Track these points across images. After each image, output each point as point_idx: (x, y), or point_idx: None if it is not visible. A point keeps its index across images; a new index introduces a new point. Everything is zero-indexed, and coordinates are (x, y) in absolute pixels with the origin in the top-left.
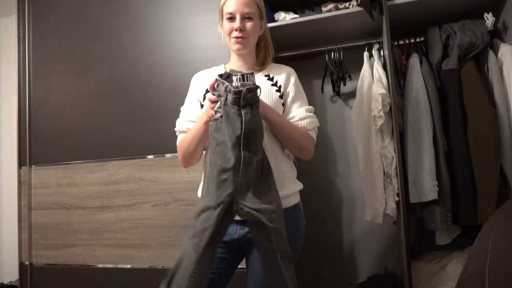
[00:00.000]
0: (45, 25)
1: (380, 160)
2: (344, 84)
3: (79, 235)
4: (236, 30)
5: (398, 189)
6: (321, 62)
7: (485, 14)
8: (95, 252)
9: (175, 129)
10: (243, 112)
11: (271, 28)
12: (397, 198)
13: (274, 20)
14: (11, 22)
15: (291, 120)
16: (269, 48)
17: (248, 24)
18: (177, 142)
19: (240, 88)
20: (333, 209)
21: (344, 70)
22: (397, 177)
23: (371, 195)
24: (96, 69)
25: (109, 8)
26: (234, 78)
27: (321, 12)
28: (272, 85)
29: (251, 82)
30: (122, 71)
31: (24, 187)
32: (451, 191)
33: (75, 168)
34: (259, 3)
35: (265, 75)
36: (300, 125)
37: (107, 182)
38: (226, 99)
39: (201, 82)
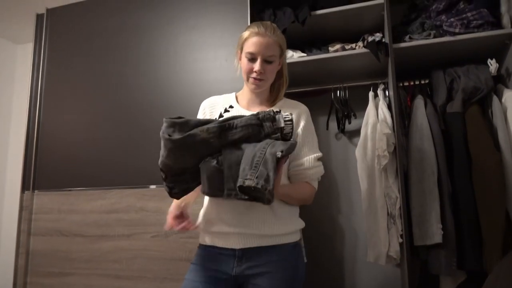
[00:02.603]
0: (59, 53)
1: (383, 199)
2: (349, 122)
3: (76, 264)
4: (255, 71)
5: (401, 230)
6: (327, 99)
7: (489, 60)
8: (91, 282)
9: None
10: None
11: None
12: (400, 240)
13: None
14: (28, 49)
15: (298, 168)
16: (283, 82)
17: (268, 67)
18: None
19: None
20: (335, 248)
21: (349, 108)
22: (401, 218)
23: (374, 236)
24: (102, 98)
25: (121, 39)
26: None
27: (328, 51)
28: None
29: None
30: (129, 100)
31: (25, 212)
32: (456, 235)
33: (77, 195)
34: (281, 43)
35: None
36: (304, 174)
37: (108, 211)
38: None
39: (209, 111)
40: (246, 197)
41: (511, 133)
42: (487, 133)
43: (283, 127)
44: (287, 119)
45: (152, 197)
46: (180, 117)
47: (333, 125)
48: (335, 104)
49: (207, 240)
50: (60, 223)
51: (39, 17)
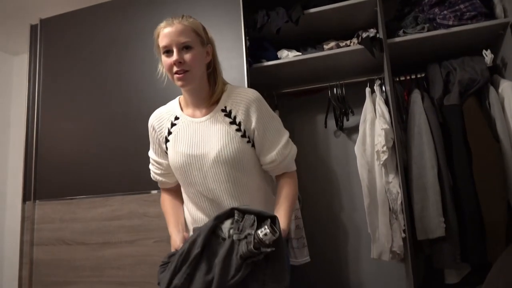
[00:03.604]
0: (55, 63)
1: (385, 195)
2: (347, 119)
3: (80, 272)
4: (175, 64)
5: (404, 226)
6: (324, 97)
7: (484, 51)
8: None
9: (151, 177)
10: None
11: (274, 65)
12: (403, 235)
13: (277, 58)
14: (24, 60)
15: (272, 165)
16: (216, 74)
17: (188, 56)
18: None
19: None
20: (339, 245)
21: (346, 105)
22: (403, 213)
23: (377, 232)
24: (100, 105)
25: (116, 46)
26: (263, 228)
27: (322, 49)
28: (231, 123)
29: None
30: (127, 106)
31: (27, 222)
32: (458, 228)
33: (79, 203)
34: (196, 28)
35: (222, 109)
36: (280, 168)
37: (110, 218)
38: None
39: (158, 128)
40: None
41: (509, 123)
42: (485, 124)
43: (262, 241)
44: (262, 235)
45: (154, 202)
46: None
47: (331, 123)
48: (332, 102)
49: None
50: (62, 232)
51: (33, 27)
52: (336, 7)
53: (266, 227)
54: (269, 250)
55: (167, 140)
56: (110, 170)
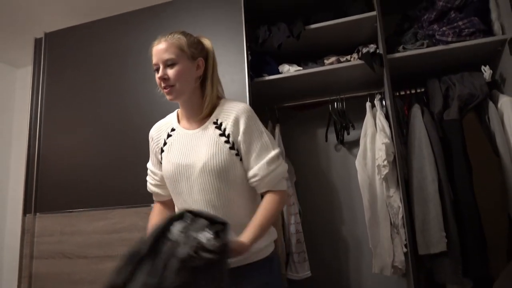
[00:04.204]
0: (58, 77)
1: (386, 209)
2: (348, 133)
3: (80, 286)
4: (161, 80)
5: (405, 240)
6: (325, 111)
7: (483, 67)
8: None
9: (147, 189)
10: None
11: (276, 80)
12: (405, 249)
13: (278, 72)
14: (27, 73)
15: (254, 179)
16: (212, 87)
17: (171, 72)
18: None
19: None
20: (340, 259)
21: (347, 119)
22: (404, 227)
23: (378, 246)
24: (102, 119)
25: (119, 61)
26: (206, 232)
27: (323, 64)
28: (221, 135)
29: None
30: (128, 121)
31: (27, 235)
32: (460, 242)
33: (79, 216)
34: (179, 44)
35: (214, 122)
36: (262, 185)
37: (110, 231)
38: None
39: (156, 139)
40: None
41: (509, 137)
42: (485, 139)
43: (204, 246)
44: (206, 240)
45: None
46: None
47: (332, 136)
48: (333, 116)
49: None
50: (62, 245)
51: (37, 41)
52: (337, 23)
53: (211, 232)
54: (209, 256)
55: (162, 151)
56: (110, 183)
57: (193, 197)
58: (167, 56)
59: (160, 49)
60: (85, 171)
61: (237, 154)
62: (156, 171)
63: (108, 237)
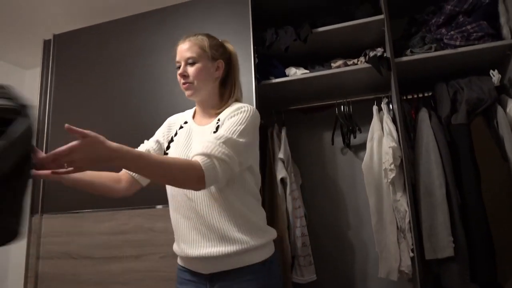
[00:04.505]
0: (66, 78)
1: (392, 214)
2: (354, 137)
3: (85, 287)
4: (181, 76)
5: (412, 244)
6: (332, 114)
7: (491, 71)
8: None
9: None
10: None
11: (282, 82)
12: (411, 254)
13: (285, 75)
14: (36, 74)
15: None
16: (232, 90)
17: (191, 69)
18: None
19: None
20: (346, 263)
21: (354, 123)
22: (411, 232)
23: (385, 250)
24: (108, 120)
25: (127, 62)
26: None
27: (330, 67)
28: (216, 128)
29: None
30: (135, 122)
31: (33, 235)
32: (468, 247)
33: (85, 217)
34: (201, 45)
35: (218, 120)
36: (195, 152)
37: (116, 232)
38: None
39: (168, 128)
40: None
41: None
42: (494, 144)
43: None
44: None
45: (160, 217)
46: None
47: (339, 140)
48: (340, 119)
49: (181, 262)
50: (68, 246)
51: (46, 43)
52: (344, 26)
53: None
54: None
55: (172, 140)
56: None
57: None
58: (188, 54)
59: (183, 47)
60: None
61: None
62: (146, 145)
63: (114, 238)
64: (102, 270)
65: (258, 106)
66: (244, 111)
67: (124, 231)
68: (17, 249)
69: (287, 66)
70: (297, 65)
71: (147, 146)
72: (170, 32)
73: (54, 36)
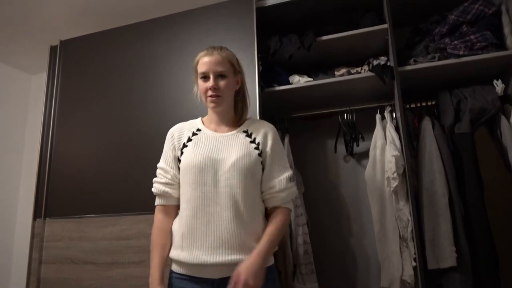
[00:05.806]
0: (72, 84)
1: (395, 222)
2: (357, 145)
3: None
4: (210, 89)
5: (415, 254)
6: (335, 122)
7: (495, 81)
8: None
9: (153, 190)
10: None
11: (286, 90)
12: (414, 264)
13: (289, 83)
14: (42, 79)
15: (271, 191)
16: (246, 101)
17: (222, 83)
18: (155, 204)
19: None
20: (348, 272)
21: (357, 131)
22: (413, 241)
23: (387, 259)
24: (113, 126)
25: (132, 69)
26: None
27: (334, 76)
28: (251, 142)
29: None
30: (140, 129)
31: (36, 239)
32: (471, 257)
33: (88, 222)
34: (231, 59)
35: (244, 131)
36: (277, 198)
37: (118, 237)
38: None
39: (177, 136)
40: None
41: None
42: (497, 154)
43: None
44: None
45: None
46: None
47: (341, 148)
48: (343, 127)
49: (182, 270)
50: (71, 250)
51: (52, 48)
52: (348, 35)
53: None
54: None
55: (184, 146)
56: (120, 190)
57: (218, 189)
58: (220, 68)
59: (213, 60)
60: (96, 178)
61: (262, 162)
62: (168, 168)
63: (116, 244)
64: (104, 275)
65: (262, 113)
66: (275, 132)
67: (127, 237)
68: (20, 253)
69: (291, 74)
70: (300, 73)
71: (171, 174)
72: (175, 39)
73: (61, 42)
